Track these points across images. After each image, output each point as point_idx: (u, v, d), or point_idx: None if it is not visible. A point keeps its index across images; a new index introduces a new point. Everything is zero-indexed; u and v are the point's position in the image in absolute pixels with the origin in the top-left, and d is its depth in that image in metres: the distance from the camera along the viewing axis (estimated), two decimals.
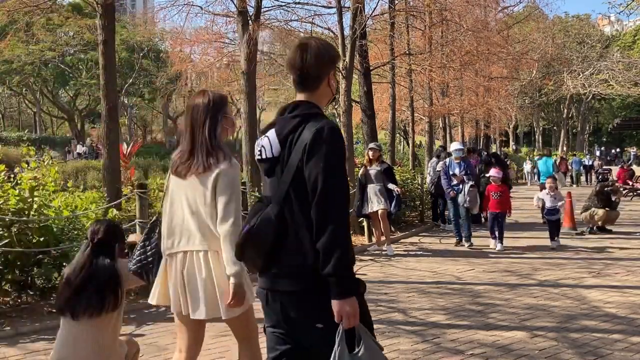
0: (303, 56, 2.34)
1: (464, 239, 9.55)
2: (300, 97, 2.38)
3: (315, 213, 2.11)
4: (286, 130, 2.26)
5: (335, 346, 2.04)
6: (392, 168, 10.56)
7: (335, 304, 2.07)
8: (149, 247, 3.00)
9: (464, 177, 9.54)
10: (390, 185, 9.07)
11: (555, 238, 9.31)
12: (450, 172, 9.72)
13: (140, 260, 2.98)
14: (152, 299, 2.96)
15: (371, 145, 9.96)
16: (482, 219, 12.60)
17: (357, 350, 2.06)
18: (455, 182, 9.62)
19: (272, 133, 2.32)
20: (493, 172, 9.44)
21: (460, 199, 9.46)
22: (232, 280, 2.77)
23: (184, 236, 2.85)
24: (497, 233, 9.16)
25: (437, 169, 12.43)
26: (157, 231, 3.00)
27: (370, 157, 9.41)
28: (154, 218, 3.12)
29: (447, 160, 10.11)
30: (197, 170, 2.82)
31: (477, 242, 9.54)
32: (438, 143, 31.12)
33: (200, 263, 2.80)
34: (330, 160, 2.14)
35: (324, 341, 2.12)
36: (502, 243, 9.11)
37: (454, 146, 10.40)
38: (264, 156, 2.33)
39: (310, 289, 2.16)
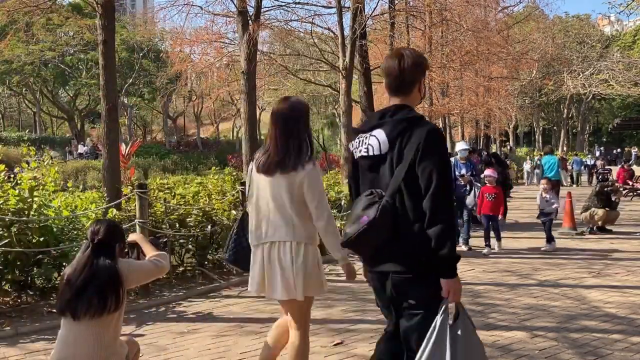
0: (400, 64, 2.63)
1: (462, 241, 9.22)
2: (394, 100, 2.69)
3: (429, 204, 2.43)
4: (396, 132, 2.56)
5: (438, 316, 2.39)
6: None
7: (444, 282, 2.46)
8: (244, 239, 3.43)
9: (471, 178, 9.35)
10: None
11: (552, 242, 9.01)
12: (457, 173, 9.34)
13: (236, 250, 3.46)
14: (250, 288, 3.36)
15: None
16: None
17: (455, 322, 2.44)
18: (462, 183, 9.33)
19: (380, 134, 2.60)
20: (488, 172, 9.08)
21: (470, 201, 9.18)
22: (341, 262, 3.30)
23: (271, 228, 3.22)
24: (494, 234, 8.92)
25: None
26: (247, 223, 3.38)
27: None
28: (243, 212, 3.52)
29: (452, 160, 9.55)
30: (285, 170, 3.14)
31: (477, 243, 9.53)
32: None
33: (284, 252, 3.17)
34: (442, 158, 2.51)
35: (419, 319, 2.53)
36: (500, 242, 8.97)
37: (459, 146, 10.09)
38: (370, 154, 2.63)
39: (414, 271, 2.51)
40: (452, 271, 2.49)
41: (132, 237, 3.32)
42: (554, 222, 9.45)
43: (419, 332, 2.51)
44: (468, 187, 9.28)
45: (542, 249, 8.90)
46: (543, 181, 9.54)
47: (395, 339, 2.76)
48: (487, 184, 8.89)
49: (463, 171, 9.36)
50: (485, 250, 8.79)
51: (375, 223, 2.47)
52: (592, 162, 30.46)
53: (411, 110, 2.63)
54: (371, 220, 2.48)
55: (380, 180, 2.61)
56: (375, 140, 2.61)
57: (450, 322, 2.46)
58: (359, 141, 2.71)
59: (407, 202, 2.51)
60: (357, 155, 2.73)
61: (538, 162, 23.85)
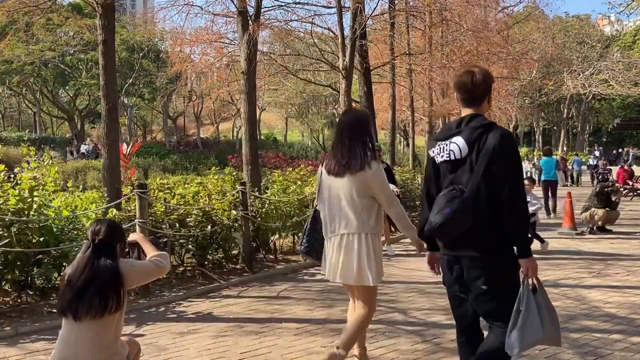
0: (472, 80, 3.07)
1: None
2: (467, 111, 3.12)
3: (507, 198, 2.88)
4: (473, 137, 2.98)
5: (522, 289, 2.91)
6: (392, 168, 10.57)
7: (523, 261, 2.95)
8: (317, 233, 3.94)
9: None
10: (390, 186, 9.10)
11: (543, 242, 8.94)
12: None
13: (311, 243, 3.98)
14: (323, 270, 3.94)
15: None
16: None
17: (535, 294, 2.93)
18: None
19: (459, 140, 3.02)
20: None
21: None
22: (412, 239, 3.76)
23: (343, 222, 3.71)
24: None
25: None
26: (319, 219, 3.93)
27: None
28: (314, 209, 4.02)
29: None
30: (353, 172, 3.66)
31: None
32: None
33: (355, 242, 3.67)
34: (514, 158, 2.97)
35: (485, 298, 3.00)
36: None
37: None
38: (452, 158, 3.05)
39: (488, 255, 2.96)
40: (528, 252, 2.97)
41: (132, 237, 3.31)
42: (553, 222, 9.44)
43: (495, 306, 2.99)
44: None
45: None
46: (526, 181, 9.20)
47: (469, 333, 3.22)
48: None
49: None
50: None
51: (457, 214, 2.92)
52: (595, 163, 30.41)
53: (484, 118, 3.08)
54: (454, 211, 2.92)
55: (460, 178, 3.03)
56: (456, 146, 3.03)
57: (532, 294, 2.93)
58: (440, 148, 3.12)
59: (484, 197, 2.92)
60: (438, 160, 3.14)
61: (536, 163, 23.86)
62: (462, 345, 3.25)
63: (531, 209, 8.36)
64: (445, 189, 3.06)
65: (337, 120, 3.59)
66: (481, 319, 3.16)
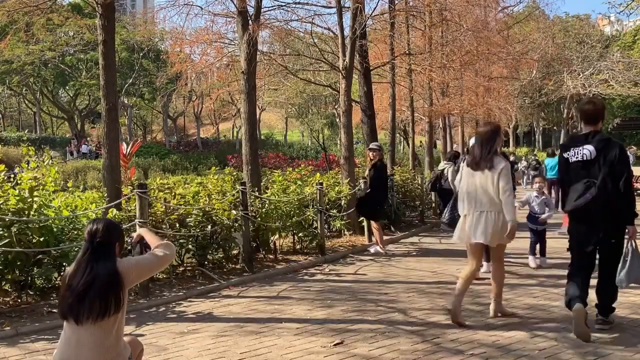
0: (594, 107, 4.78)
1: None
2: (588, 128, 4.75)
3: (623, 188, 4.50)
4: (600, 147, 4.60)
5: (628, 245, 4.59)
6: (391, 168, 10.65)
7: (630, 227, 4.60)
8: (456, 210, 5.65)
9: None
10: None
11: (538, 256, 7.78)
12: None
13: (452, 218, 5.91)
14: (455, 239, 5.40)
15: (371, 146, 9.99)
16: None
17: (635, 249, 4.60)
18: None
19: (590, 147, 4.63)
20: None
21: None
22: (510, 224, 5.02)
23: (478, 203, 5.15)
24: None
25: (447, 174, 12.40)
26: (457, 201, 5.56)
27: (371, 158, 9.57)
28: (455, 194, 6.03)
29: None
30: (488, 167, 5.10)
31: None
32: (439, 143, 31.11)
33: (489, 216, 5.09)
34: (628, 163, 4.65)
35: (611, 250, 4.69)
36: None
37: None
38: (584, 159, 4.65)
39: (615, 224, 4.64)
40: (633, 221, 4.61)
41: (136, 233, 3.31)
42: (553, 222, 9.35)
43: (616, 254, 4.67)
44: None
45: (532, 265, 7.74)
46: (537, 179, 8.29)
47: (589, 268, 4.92)
48: None
49: None
50: (483, 268, 7.13)
51: (595, 197, 4.52)
52: None
53: (603, 134, 4.75)
54: (594, 196, 4.53)
55: (591, 174, 4.60)
56: (587, 152, 4.64)
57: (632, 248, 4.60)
58: (574, 152, 4.73)
59: (610, 186, 4.51)
60: (572, 160, 4.74)
61: (533, 163, 23.82)
62: (582, 278, 4.91)
63: (545, 214, 7.78)
64: (581, 180, 4.64)
65: (476, 131, 6.05)
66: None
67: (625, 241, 4.59)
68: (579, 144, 4.69)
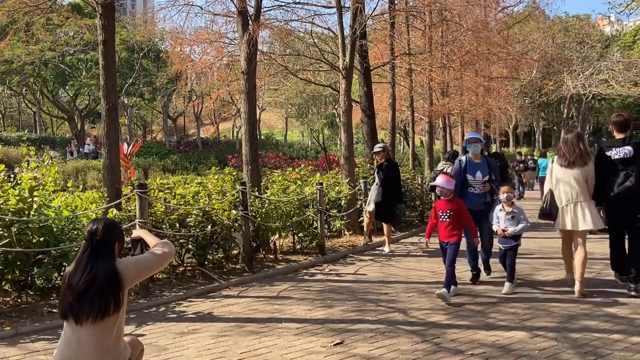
0: (625, 118, 6.21)
1: (482, 268, 7.09)
2: (621, 135, 6.13)
3: None
4: (637, 148, 5.92)
5: None
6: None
7: None
8: (554, 202, 6.28)
9: (489, 184, 6.72)
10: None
11: (510, 281, 6.37)
12: (471, 178, 6.74)
13: (551, 209, 6.29)
14: (558, 226, 6.32)
15: (374, 149, 10.02)
16: None
17: None
18: (478, 191, 6.76)
19: (629, 148, 5.95)
20: (441, 180, 6.23)
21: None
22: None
23: (572, 195, 6.13)
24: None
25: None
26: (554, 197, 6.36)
27: (377, 161, 9.69)
28: (550, 190, 6.38)
29: (463, 159, 6.90)
30: (580, 166, 6.12)
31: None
32: (438, 143, 31.08)
33: (583, 206, 6.09)
34: None
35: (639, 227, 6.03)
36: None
37: (469, 137, 7.13)
38: (626, 157, 5.95)
39: None
40: None
41: (135, 234, 3.31)
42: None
43: None
44: (489, 197, 6.79)
45: (502, 292, 6.31)
46: (504, 188, 6.54)
47: (621, 242, 6.31)
48: (441, 197, 6.30)
49: (478, 174, 6.74)
50: (442, 291, 5.92)
51: (632, 186, 5.86)
52: None
53: (635, 138, 6.24)
54: (631, 184, 5.86)
55: (628, 168, 5.91)
56: (627, 151, 5.97)
57: None
58: (616, 151, 6.04)
59: None
60: (614, 157, 6.03)
61: (529, 164, 23.78)
62: (617, 250, 6.34)
63: (519, 226, 6.39)
64: (621, 172, 5.96)
65: (563, 135, 6.69)
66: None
67: None
68: (619, 146, 6.06)
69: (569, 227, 6.12)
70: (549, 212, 6.31)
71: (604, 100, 50.08)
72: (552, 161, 6.47)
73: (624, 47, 49.03)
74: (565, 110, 50.54)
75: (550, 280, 6.90)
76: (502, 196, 6.45)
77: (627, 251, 6.21)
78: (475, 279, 6.90)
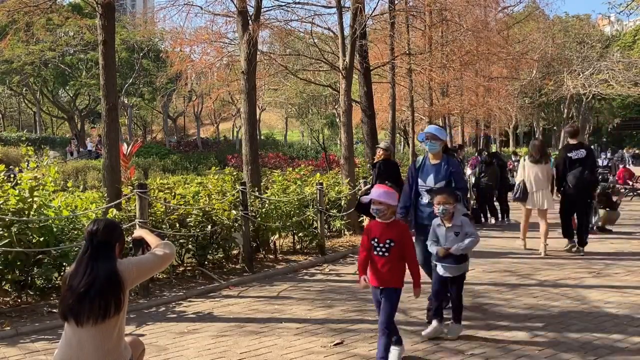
0: (575, 128, 8.93)
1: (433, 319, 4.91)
2: (575, 140, 8.53)
3: (592, 171, 8.54)
4: (588, 150, 8.46)
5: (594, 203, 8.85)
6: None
7: (593, 194, 9.04)
8: (526, 189, 8.63)
9: (449, 193, 4.79)
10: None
11: (436, 320, 4.82)
12: (421, 184, 5.25)
13: (524, 194, 8.58)
14: (528, 206, 8.71)
15: (382, 144, 9.94)
16: (482, 219, 12.60)
17: None
18: (425, 201, 5.20)
19: (583, 150, 8.36)
20: (377, 192, 4.18)
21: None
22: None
23: (537, 185, 8.53)
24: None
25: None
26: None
27: (377, 157, 9.63)
28: (522, 181, 8.72)
29: (420, 159, 5.44)
30: (542, 163, 8.58)
31: (480, 242, 9.50)
32: None
33: (544, 194, 8.55)
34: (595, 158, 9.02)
35: (589, 206, 8.85)
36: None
37: (427, 130, 5.34)
38: (581, 157, 8.30)
39: (591, 190, 8.64)
40: (596, 189, 9.53)
41: (136, 234, 3.30)
42: (554, 222, 9.41)
43: (590, 208, 9.04)
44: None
45: (446, 334, 4.81)
46: (439, 198, 4.71)
47: (570, 218, 8.69)
48: (377, 219, 4.23)
49: (430, 180, 5.19)
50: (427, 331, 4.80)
51: (585, 177, 8.26)
52: (605, 163, 29.85)
53: (586, 144, 8.80)
54: (585, 176, 8.25)
55: (583, 166, 8.23)
56: (582, 153, 8.30)
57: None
58: (575, 153, 8.31)
59: (589, 171, 8.24)
60: (573, 157, 8.29)
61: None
62: (566, 223, 8.63)
63: (466, 241, 4.64)
64: (577, 168, 8.20)
65: (532, 141, 9.53)
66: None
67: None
68: (577, 149, 8.40)
69: (536, 206, 8.61)
70: (521, 196, 8.66)
71: (604, 100, 50.10)
72: (524, 159, 8.89)
73: (624, 47, 49.06)
74: (565, 110, 50.54)
75: (550, 280, 6.90)
76: (437, 209, 4.67)
77: (575, 224, 8.72)
78: (431, 320, 4.91)
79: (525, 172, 8.67)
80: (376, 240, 4.17)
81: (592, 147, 10.10)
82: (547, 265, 7.83)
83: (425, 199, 5.26)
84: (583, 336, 4.74)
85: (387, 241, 4.14)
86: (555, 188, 8.66)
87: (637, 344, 4.53)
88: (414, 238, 4.76)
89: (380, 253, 4.15)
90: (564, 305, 5.71)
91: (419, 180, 5.29)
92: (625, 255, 8.49)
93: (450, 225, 4.72)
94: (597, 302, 5.80)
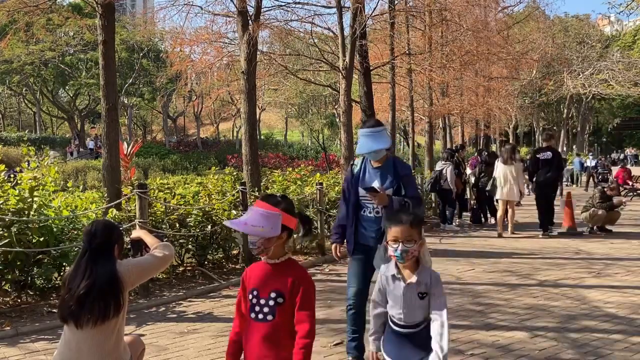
0: (551, 134, 11.31)
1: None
2: (547, 143, 10.64)
3: (558, 168, 10.79)
4: (554, 153, 10.42)
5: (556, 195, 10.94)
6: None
7: (559, 188, 12.39)
8: (497, 184, 10.76)
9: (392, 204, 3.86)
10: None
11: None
12: (362, 194, 4.00)
13: (493, 188, 10.91)
14: (497, 196, 10.88)
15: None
16: (483, 219, 12.60)
17: None
18: (371, 214, 3.99)
19: (549, 153, 10.34)
20: (251, 216, 2.48)
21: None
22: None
23: (506, 181, 10.57)
24: None
25: (438, 168, 12.37)
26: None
27: None
28: (493, 178, 11.06)
29: (357, 162, 4.18)
30: (510, 164, 10.51)
31: (480, 242, 9.54)
32: (438, 143, 31.09)
33: (512, 187, 10.54)
34: (561, 158, 11.15)
35: (552, 197, 10.56)
36: None
37: (366, 133, 4.00)
38: (548, 158, 10.26)
39: (554, 186, 10.73)
40: (558, 186, 11.63)
41: (134, 235, 3.29)
42: (554, 221, 9.39)
43: (553, 199, 10.59)
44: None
45: None
46: (396, 231, 2.72)
47: (542, 210, 10.60)
48: (261, 257, 2.60)
49: (375, 184, 3.94)
50: None
51: (553, 175, 10.36)
52: (594, 164, 30.14)
53: (554, 148, 10.85)
54: (553, 174, 10.36)
55: (550, 166, 10.20)
56: (548, 155, 10.29)
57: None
58: (542, 154, 10.32)
59: (555, 169, 10.34)
60: (541, 158, 10.29)
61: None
62: (540, 214, 10.53)
63: (444, 332, 2.68)
64: (544, 168, 10.19)
65: (505, 146, 11.40)
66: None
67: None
68: (545, 151, 10.34)
69: (505, 198, 10.57)
70: (493, 190, 10.85)
71: (604, 100, 50.12)
72: (498, 161, 10.76)
73: (624, 47, 49.05)
74: (565, 110, 50.57)
75: (550, 280, 6.90)
76: (392, 249, 2.74)
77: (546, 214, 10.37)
78: None
79: (497, 170, 10.73)
80: (255, 293, 2.55)
81: (560, 150, 10.99)
82: (547, 265, 7.83)
83: (370, 211, 3.99)
84: (583, 336, 4.74)
85: (272, 294, 2.50)
86: (527, 183, 11.23)
87: (637, 344, 4.53)
88: (349, 259, 3.94)
89: (260, 316, 2.51)
90: (564, 305, 5.71)
91: (362, 182, 4.02)
92: (625, 255, 8.50)
93: (413, 280, 2.77)
94: (597, 302, 5.80)
